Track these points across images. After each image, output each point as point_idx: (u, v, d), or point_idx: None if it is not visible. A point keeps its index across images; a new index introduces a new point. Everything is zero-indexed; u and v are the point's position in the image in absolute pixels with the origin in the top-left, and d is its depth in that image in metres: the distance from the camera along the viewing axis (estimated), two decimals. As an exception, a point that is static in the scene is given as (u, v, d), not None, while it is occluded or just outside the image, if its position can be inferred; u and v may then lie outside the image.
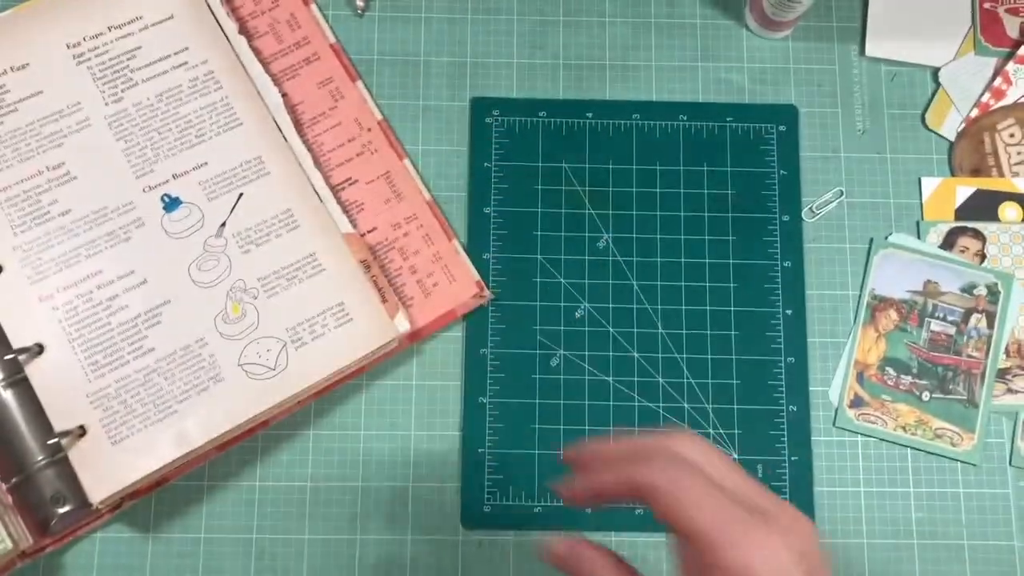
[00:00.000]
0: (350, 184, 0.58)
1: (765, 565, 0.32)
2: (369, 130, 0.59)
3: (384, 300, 0.54)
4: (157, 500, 0.55)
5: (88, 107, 0.55)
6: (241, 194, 0.55)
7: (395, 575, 0.55)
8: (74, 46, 0.56)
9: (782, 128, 0.61)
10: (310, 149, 0.57)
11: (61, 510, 0.51)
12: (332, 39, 0.60)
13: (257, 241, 0.54)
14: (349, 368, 0.53)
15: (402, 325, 0.54)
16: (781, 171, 0.60)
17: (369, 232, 0.58)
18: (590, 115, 0.61)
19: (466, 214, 0.59)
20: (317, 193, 0.56)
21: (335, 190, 0.57)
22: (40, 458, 0.50)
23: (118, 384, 0.51)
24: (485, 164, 0.60)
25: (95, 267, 0.53)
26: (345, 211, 0.57)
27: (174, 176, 0.55)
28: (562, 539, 0.39)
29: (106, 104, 0.55)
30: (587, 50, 0.62)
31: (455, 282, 0.57)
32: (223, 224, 0.55)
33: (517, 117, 0.60)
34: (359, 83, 0.60)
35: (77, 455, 0.50)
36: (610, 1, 0.63)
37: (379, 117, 0.59)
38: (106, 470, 0.50)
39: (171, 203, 0.55)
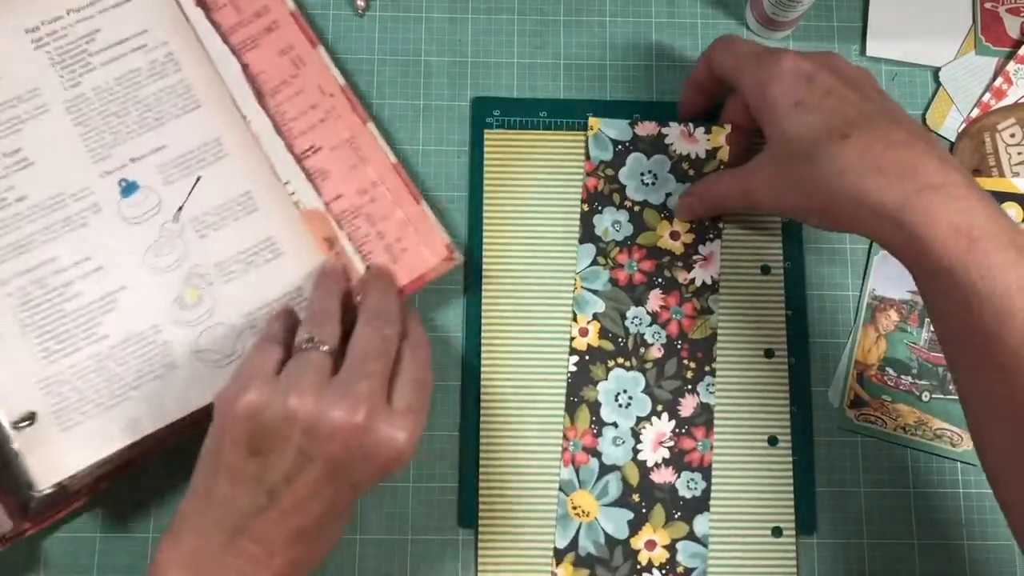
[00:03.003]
0: (314, 152, 0.56)
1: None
2: (331, 96, 0.57)
3: (347, 279, 0.53)
4: (158, 501, 0.55)
5: (46, 92, 0.55)
6: (199, 177, 0.54)
7: (395, 575, 0.55)
8: (32, 30, 0.55)
9: (783, 128, 0.61)
10: (272, 119, 0.56)
11: (38, 494, 0.50)
12: (291, 6, 0.58)
13: (215, 225, 0.54)
14: None
15: None
16: (782, 171, 0.60)
17: (335, 200, 0.56)
18: (591, 115, 0.60)
19: (467, 214, 0.59)
20: (277, 174, 0.55)
21: (299, 159, 0.56)
22: (16, 444, 0.50)
23: (71, 370, 0.51)
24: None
25: (50, 253, 0.53)
26: (310, 179, 0.56)
27: (132, 160, 0.54)
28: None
29: (64, 89, 0.55)
30: (587, 50, 0.62)
31: (424, 246, 0.55)
32: (180, 208, 0.54)
33: (518, 117, 0.60)
34: (320, 48, 0.58)
35: (24, 441, 0.50)
36: (610, 1, 0.63)
37: (342, 83, 0.57)
38: (54, 456, 0.50)
39: (128, 187, 0.54)
